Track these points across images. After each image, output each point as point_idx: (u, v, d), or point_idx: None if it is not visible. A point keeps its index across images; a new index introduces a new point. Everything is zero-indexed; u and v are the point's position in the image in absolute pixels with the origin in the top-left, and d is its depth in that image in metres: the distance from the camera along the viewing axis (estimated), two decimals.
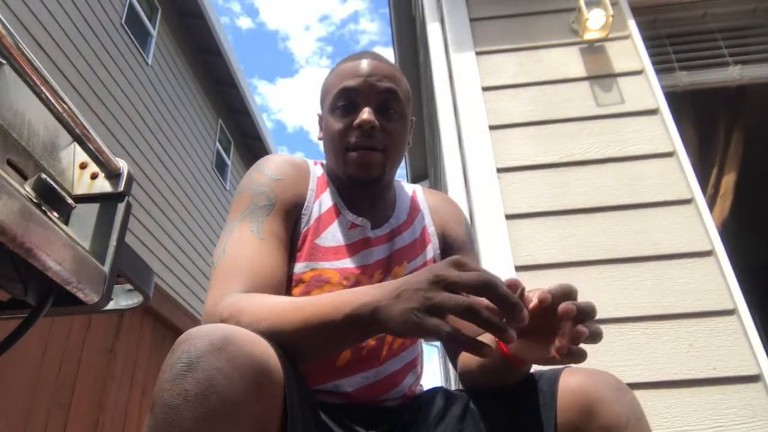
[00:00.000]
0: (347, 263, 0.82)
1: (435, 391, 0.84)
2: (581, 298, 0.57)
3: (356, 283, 0.81)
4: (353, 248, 0.84)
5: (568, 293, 0.56)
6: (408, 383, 0.85)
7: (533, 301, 0.56)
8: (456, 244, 0.91)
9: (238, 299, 0.67)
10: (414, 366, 0.86)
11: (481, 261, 1.62)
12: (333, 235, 0.84)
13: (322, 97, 0.91)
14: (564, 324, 0.56)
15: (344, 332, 0.59)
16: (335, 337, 0.61)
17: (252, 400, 0.52)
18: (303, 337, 0.60)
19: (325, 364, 0.79)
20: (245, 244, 0.75)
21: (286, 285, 0.79)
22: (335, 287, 0.80)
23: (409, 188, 0.98)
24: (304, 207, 0.84)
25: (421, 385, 0.91)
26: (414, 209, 0.93)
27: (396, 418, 0.78)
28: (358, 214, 0.87)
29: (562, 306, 0.53)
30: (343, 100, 0.83)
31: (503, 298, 0.51)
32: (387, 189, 0.90)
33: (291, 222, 0.82)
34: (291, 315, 0.62)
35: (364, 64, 0.84)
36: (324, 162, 0.95)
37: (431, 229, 0.92)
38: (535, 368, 0.72)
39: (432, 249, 0.90)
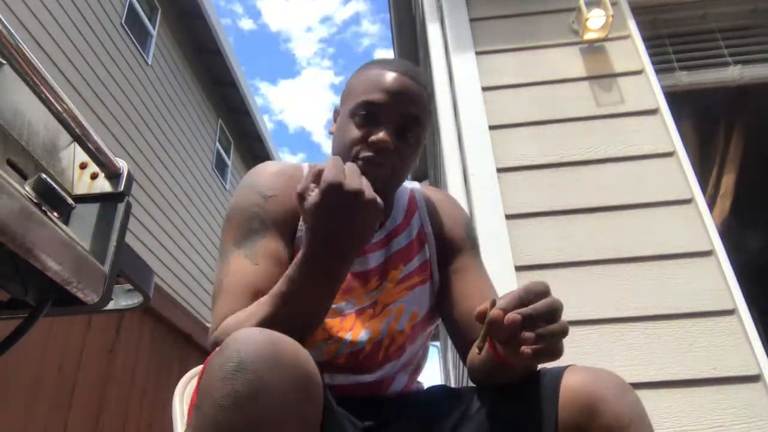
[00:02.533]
0: None
1: (437, 387, 0.84)
2: (581, 298, 0.58)
3: (350, 290, 0.82)
4: None
5: (522, 300, 0.57)
6: (402, 382, 0.85)
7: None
8: (454, 244, 0.90)
9: (226, 322, 0.72)
10: (409, 366, 0.87)
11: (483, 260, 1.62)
12: None
13: (345, 95, 0.88)
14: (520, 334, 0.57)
15: (308, 282, 0.65)
16: (308, 292, 0.66)
17: (299, 404, 0.52)
18: (287, 312, 0.66)
19: (322, 361, 0.80)
20: (240, 272, 0.76)
21: None
22: None
23: (407, 186, 0.97)
24: (301, 218, 0.83)
25: (419, 382, 0.91)
26: (411, 209, 0.92)
27: (393, 410, 0.78)
28: None
29: (507, 318, 0.55)
30: (364, 111, 0.81)
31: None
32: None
33: (288, 235, 0.82)
34: (266, 302, 0.68)
35: (395, 81, 0.81)
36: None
37: (428, 229, 0.90)
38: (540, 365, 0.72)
39: (429, 249, 0.89)
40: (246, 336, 0.53)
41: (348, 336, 0.80)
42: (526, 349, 0.55)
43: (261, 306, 0.69)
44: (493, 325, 0.56)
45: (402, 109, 0.80)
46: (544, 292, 0.58)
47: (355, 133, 0.80)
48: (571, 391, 0.64)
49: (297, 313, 0.67)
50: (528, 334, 0.55)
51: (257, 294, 0.73)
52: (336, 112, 0.91)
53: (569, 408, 0.63)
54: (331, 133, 0.90)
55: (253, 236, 0.78)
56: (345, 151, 0.81)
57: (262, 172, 0.85)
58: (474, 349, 0.73)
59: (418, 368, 0.90)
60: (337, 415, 0.66)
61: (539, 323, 0.56)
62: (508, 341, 0.58)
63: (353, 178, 0.62)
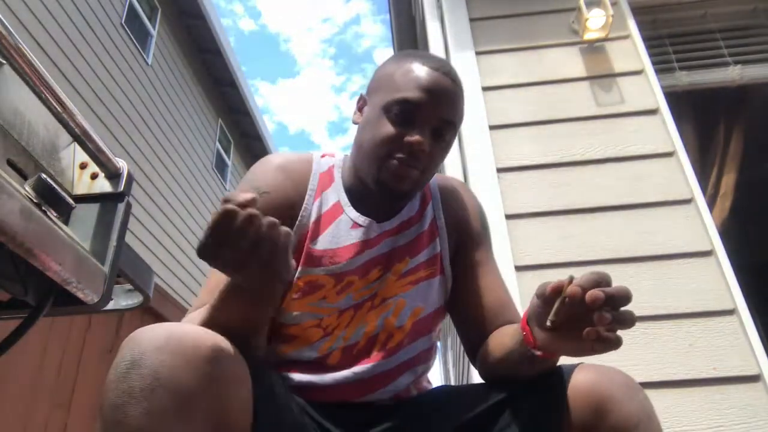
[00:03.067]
0: (343, 267, 0.80)
1: (439, 388, 0.82)
2: None
3: (348, 286, 0.79)
4: (351, 249, 0.81)
5: (599, 282, 0.56)
6: (404, 382, 0.82)
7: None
8: (470, 237, 0.88)
9: (184, 320, 0.71)
10: (412, 365, 0.83)
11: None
12: (331, 237, 0.81)
13: (377, 85, 0.84)
14: (595, 313, 0.56)
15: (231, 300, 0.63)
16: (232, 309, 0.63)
17: (204, 392, 0.51)
18: (222, 322, 0.63)
19: (314, 360, 0.78)
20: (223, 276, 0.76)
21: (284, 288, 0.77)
22: (329, 292, 0.79)
23: None
24: (302, 210, 0.82)
25: (429, 382, 0.89)
26: (425, 199, 0.90)
27: (391, 416, 0.76)
28: (364, 211, 0.84)
29: (590, 294, 0.54)
30: (400, 108, 0.78)
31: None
32: None
33: None
34: (205, 310, 0.66)
35: (436, 81, 0.78)
36: (335, 154, 0.91)
37: (441, 222, 0.88)
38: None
39: (440, 243, 0.86)
40: (141, 333, 0.52)
41: (342, 332, 0.79)
42: (591, 331, 0.54)
43: (202, 312, 0.68)
44: (573, 300, 0.55)
45: (440, 111, 0.78)
46: (610, 281, 0.58)
47: (389, 129, 0.78)
48: (580, 390, 0.63)
49: (233, 326, 0.63)
50: (607, 315, 0.54)
51: None
52: (362, 100, 0.88)
53: (578, 407, 0.63)
54: (355, 122, 0.87)
55: None
56: (376, 148, 0.79)
57: (264, 167, 0.84)
58: (496, 341, 0.74)
59: (426, 368, 0.87)
60: (278, 401, 0.64)
61: (618, 306, 0.55)
62: (567, 326, 0.57)
63: (238, 241, 0.55)
